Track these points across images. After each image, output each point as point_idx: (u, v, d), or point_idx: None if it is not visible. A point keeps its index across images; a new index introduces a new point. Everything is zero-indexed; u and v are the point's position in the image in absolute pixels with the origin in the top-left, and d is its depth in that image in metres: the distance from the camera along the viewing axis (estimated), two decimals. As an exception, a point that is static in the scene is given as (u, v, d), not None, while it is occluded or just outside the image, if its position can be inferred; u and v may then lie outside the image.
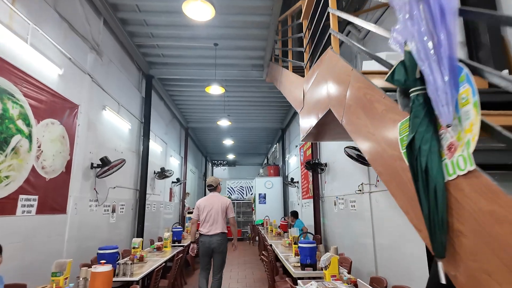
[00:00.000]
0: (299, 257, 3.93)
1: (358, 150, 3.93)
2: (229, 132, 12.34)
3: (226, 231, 4.35)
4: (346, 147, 4.06)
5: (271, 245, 5.58)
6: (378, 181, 4.03)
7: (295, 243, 4.31)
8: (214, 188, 4.59)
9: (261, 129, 12.67)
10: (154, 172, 7.84)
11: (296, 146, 9.76)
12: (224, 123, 8.56)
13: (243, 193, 13.58)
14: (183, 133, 11.81)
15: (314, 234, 6.65)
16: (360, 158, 4.03)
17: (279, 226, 8.06)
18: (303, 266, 3.33)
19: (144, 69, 7.02)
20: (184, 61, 6.98)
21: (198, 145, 15.51)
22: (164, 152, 8.99)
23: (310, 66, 3.07)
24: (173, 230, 6.07)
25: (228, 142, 11.71)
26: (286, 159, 10.97)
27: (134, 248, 4.21)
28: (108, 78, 5.30)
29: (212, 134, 13.57)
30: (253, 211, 12.17)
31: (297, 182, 9.46)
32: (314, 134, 2.93)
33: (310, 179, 7.78)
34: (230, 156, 16.83)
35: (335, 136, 3.19)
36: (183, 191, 11.17)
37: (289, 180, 9.62)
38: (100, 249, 3.26)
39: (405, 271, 3.44)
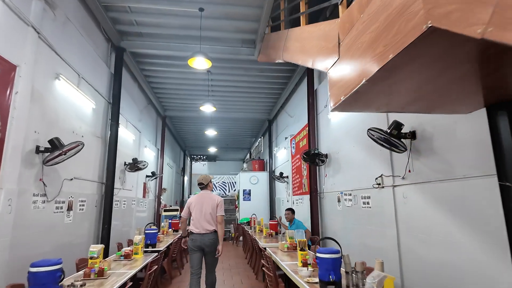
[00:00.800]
0: (312, 269, 3.04)
1: (386, 132, 3.11)
2: (212, 122, 11.30)
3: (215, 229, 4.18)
4: (371, 129, 3.22)
5: (265, 249, 4.67)
6: (409, 171, 3.21)
7: (302, 249, 3.43)
8: (205, 186, 4.47)
9: (247, 120, 11.72)
10: (125, 164, 6.72)
11: (286, 138, 8.91)
12: (207, 108, 7.55)
13: (226, 189, 12.61)
14: (160, 122, 10.66)
15: (311, 235, 5.83)
16: (389, 141, 3.21)
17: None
18: (324, 284, 2.45)
19: (114, 39, 5.88)
20: (162, 31, 5.90)
21: (177, 137, 14.34)
22: (137, 141, 7.85)
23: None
24: (146, 232, 5.03)
25: (210, 132, 10.66)
26: (274, 152, 10.10)
27: (91, 258, 3.17)
28: (64, 40, 4.17)
29: (193, 125, 12.45)
30: (237, 209, 11.23)
31: (287, 177, 8.62)
32: (359, 96, 1.96)
33: (304, 173, 6.94)
34: (212, 149, 15.74)
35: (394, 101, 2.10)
36: (159, 187, 10.04)
37: (278, 175, 8.75)
38: (32, 265, 2.21)
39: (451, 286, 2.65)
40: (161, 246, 5.26)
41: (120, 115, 6.02)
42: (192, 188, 19.58)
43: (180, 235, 7.11)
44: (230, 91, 8.81)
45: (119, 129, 6.05)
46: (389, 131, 3.15)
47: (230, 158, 20.22)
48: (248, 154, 17.43)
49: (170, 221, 7.86)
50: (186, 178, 18.01)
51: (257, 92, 9.00)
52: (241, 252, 8.57)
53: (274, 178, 8.82)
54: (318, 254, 2.55)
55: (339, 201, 5.04)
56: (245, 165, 13.71)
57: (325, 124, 5.80)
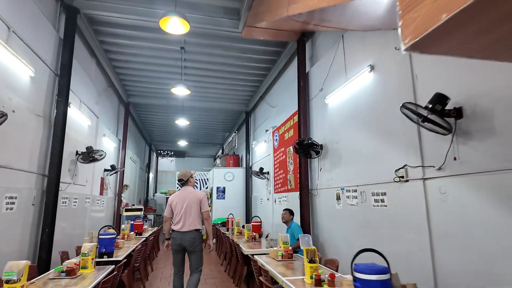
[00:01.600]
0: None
1: (427, 108, 2.36)
2: (184, 112, 10.18)
3: (201, 228, 3.99)
4: (406, 105, 2.47)
5: (252, 256, 3.79)
6: (455, 159, 2.49)
7: (311, 261, 2.60)
8: (185, 182, 4.22)
9: (221, 111, 10.74)
10: (77, 153, 5.51)
11: (267, 130, 8.09)
12: (180, 91, 6.52)
13: (197, 187, 11.52)
14: (122, 110, 9.38)
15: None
16: (430, 121, 2.46)
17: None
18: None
19: (63, -4, 4.70)
20: (127, -10, 4.81)
21: (142, 128, 12.99)
22: (94, 128, 6.62)
23: None
24: (101, 237, 3.94)
25: (182, 122, 9.54)
26: (252, 146, 9.24)
27: (8, 283, 2.10)
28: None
29: (161, 114, 11.24)
30: (209, 208, 10.25)
31: (267, 173, 7.80)
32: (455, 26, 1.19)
33: (291, 167, 6.16)
34: (181, 144, 14.50)
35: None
36: (120, 183, 8.78)
37: (257, 170, 7.91)
38: None
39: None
40: (121, 255, 4.18)
41: (71, 92, 4.84)
42: (157, 186, 18.16)
43: (144, 239, 6.01)
44: (206, 75, 7.82)
45: (70, 110, 4.87)
46: (430, 106, 2.41)
47: (200, 154, 19.07)
48: (220, 150, 16.42)
49: (132, 222, 6.71)
50: (151, 175, 16.61)
51: (236, 78, 8.08)
52: (215, 258, 7.62)
53: (252, 174, 7.96)
54: (358, 275, 1.72)
55: (338, 198, 4.29)
56: (218, 161, 12.70)
57: (319, 111, 5.04)
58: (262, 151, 8.52)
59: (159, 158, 18.32)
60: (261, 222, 5.83)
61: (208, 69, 7.50)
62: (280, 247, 3.77)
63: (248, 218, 9.48)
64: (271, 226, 7.14)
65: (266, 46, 6.52)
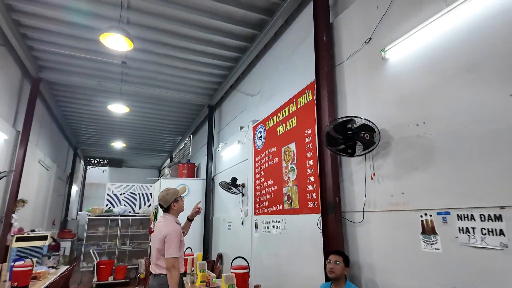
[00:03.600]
0: None
1: None
2: (123, 97, 7.40)
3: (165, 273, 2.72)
4: None
5: None
6: None
7: None
8: (164, 208, 2.98)
9: (176, 103, 8.19)
10: None
11: (242, 127, 5.86)
12: (118, 49, 4.02)
13: (134, 204, 8.58)
14: (28, 87, 6.39)
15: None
16: None
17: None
18: None
19: None
20: None
21: (64, 125, 9.75)
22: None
23: None
24: None
25: (118, 109, 6.74)
26: (218, 150, 6.84)
27: None
28: None
29: (92, 104, 8.25)
30: (152, 234, 7.43)
31: (242, 185, 5.48)
32: None
33: (291, 176, 3.96)
34: (118, 145, 11.34)
35: None
36: (13, 195, 5.68)
37: (228, 182, 5.52)
38: None
39: None
40: None
41: None
42: (83, 203, 14.49)
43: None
44: (155, 52, 5.41)
45: None
46: None
47: (142, 164, 15.89)
48: (169, 160, 13.58)
49: (13, 265, 3.76)
50: (75, 188, 13.01)
51: (196, 62, 5.84)
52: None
53: (221, 187, 5.56)
54: None
55: (428, 231, 2.18)
56: (166, 170, 9.93)
57: (362, 77, 2.98)
58: (234, 155, 6.20)
59: (88, 167, 14.74)
60: (248, 268, 3.45)
61: (158, 42, 5.11)
62: None
63: (207, 250, 6.93)
64: (250, 269, 4.76)
65: (239, 25, 4.40)
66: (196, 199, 7.21)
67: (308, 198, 3.58)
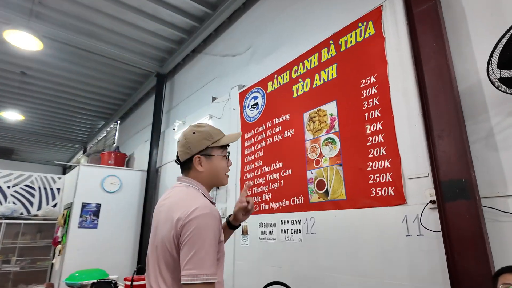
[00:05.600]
0: None
1: None
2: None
3: None
4: None
5: None
6: None
7: None
8: (181, 164, 1.39)
9: (103, 66, 5.99)
10: None
11: (214, 99, 4.27)
12: None
13: (31, 202, 5.76)
14: None
15: None
16: None
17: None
18: None
19: None
20: None
21: None
22: None
23: None
24: None
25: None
26: (174, 129, 5.00)
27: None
28: None
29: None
30: (58, 247, 4.81)
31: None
32: None
33: (320, 152, 2.57)
34: (9, 117, 8.07)
35: None
36: None
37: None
38: None
39: None
40: None
41: None
42: None
43: None
44: None
45: None
46: None
47: (41, 158, 12.34)
48: (82, 152, 10.66)
49: None
50: None
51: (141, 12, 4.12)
52: None
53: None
54: None
55: None
56: (83, 160, 7.33)
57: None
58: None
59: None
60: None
61: None
62: None
63: (143, 270, 4.92)
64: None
65: None
66: (129, 197, 5.23)
67: (371, 182, 2.23)
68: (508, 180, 1.65)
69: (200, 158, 1.31)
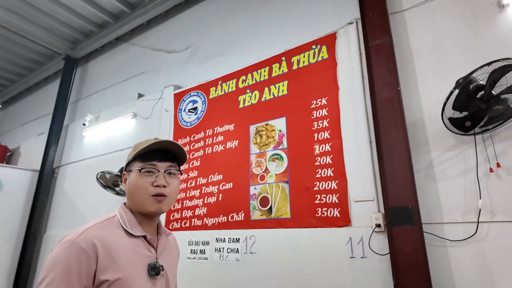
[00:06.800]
0: None
1: None
2: None
3: None
4: None
5: None
6: None
7: None
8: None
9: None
10: None
11: (141, 96, 3.85)
12: None
13: None
14: None
15: None
16: None
17: None
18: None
19: None
20: None
21: None
22: None
23: None
24: None
25: None
26: (85, 124, 4.22)
27: None
28: None
29: None
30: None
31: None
32: None
33: (266, 167, 2.52)
34: None
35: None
36: None
37: (119, 173, 3.26)
38: None
39: None
40: None
41: None
42: None
43: None
44: None
45: None
46: None
47: None
48: None
49: None
50: None
51: None
52: None
53: (102, 183, 3.17)
54: None
55: None
56: None
57: (459, 24, 2.12)
58: (119, 135, 3.92)
59: None
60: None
61: None
62: None
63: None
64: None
65: None
66: (10, 202, 4.21)
67: (318, 202, 2.24)
68: (443, 208, 1.85)
69: (125, 174, 1.00)
